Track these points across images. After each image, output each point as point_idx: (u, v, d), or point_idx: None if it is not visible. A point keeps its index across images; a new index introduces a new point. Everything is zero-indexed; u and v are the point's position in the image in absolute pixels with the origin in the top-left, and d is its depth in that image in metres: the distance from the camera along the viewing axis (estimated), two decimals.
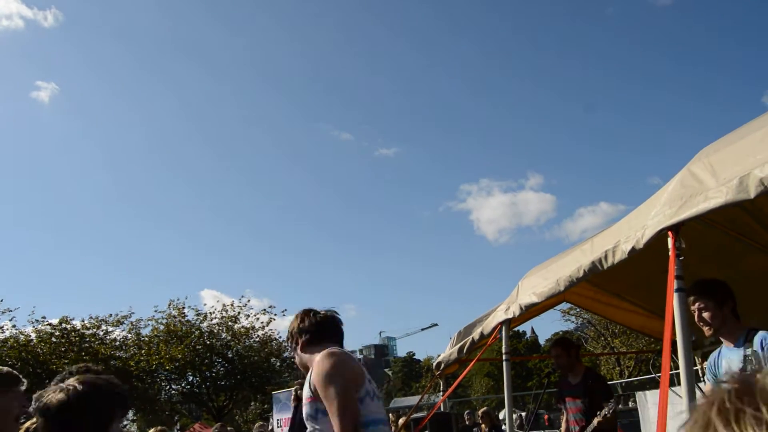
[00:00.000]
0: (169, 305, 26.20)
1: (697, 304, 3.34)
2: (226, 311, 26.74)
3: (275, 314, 28.16)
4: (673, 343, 2.95)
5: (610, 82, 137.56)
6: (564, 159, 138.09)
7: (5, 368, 2.62)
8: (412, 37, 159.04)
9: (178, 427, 21.83)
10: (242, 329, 26.77)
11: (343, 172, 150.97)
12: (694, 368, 4.80)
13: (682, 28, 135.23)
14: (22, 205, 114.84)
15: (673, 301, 2.95)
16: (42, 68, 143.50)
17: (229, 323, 26.59)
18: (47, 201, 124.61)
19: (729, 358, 3.42)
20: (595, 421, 5.37)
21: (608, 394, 5.46)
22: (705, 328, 3.39)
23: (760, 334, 3.25)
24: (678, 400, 4.61)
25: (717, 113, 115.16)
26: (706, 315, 3.33)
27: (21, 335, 23.45)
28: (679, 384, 4.32)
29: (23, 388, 2.59)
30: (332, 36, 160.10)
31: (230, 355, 26.60)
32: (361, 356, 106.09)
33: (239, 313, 26.86)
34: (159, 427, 5.80)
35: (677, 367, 3.13)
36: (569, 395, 5.67)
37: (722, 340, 3.47)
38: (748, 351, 3.24)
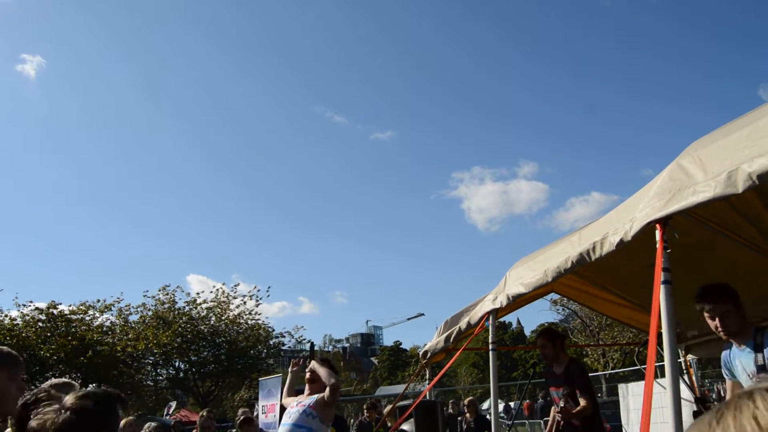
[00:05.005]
0: (160, 291, 26.20)
1: (720, 310, 3.38)
2: (217, 297, 26.74)
3: (261, 297, 28.19)
4: (658, 336, 2.98)
5: (605, 75, 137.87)
6: (558, 148, 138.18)
7: (5, 348, 2.57)
8: (409, 25, 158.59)
9: (169, 412, 21.65)
10: (233, 317, 26.80)
11: (334, 157, 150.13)
12: (678, 360, 4.86)
13: (676, 23, 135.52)
14: (11, 184, 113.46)
15: (660, 293, 2.97)
16: (27, 41, 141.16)
17: (218, 310, 26.59)
18: (34, 180, 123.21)
19: (741, 359, 3.49)
20: (556, 414, 5.43)
21: (584, 384, 5.51)
22: (723, 333, 3.44)
23: None
24: (662, 392, 4.66)
25: (712, 108, 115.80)
26: (728, 321, 3.38)
27: (6, 318, 23.24)
28: (662, 376, 4.36)
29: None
30: (333, 19, 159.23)
31: (218, 341, 26.61)
32: (347, 344, 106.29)
33: (228, 296, 26.87)
34: (132, 416, 5.73)
35: (661, 360, 3.17)
36: (553, 384, 5.75)
37: (731, 341, 3.53)
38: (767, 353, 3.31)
